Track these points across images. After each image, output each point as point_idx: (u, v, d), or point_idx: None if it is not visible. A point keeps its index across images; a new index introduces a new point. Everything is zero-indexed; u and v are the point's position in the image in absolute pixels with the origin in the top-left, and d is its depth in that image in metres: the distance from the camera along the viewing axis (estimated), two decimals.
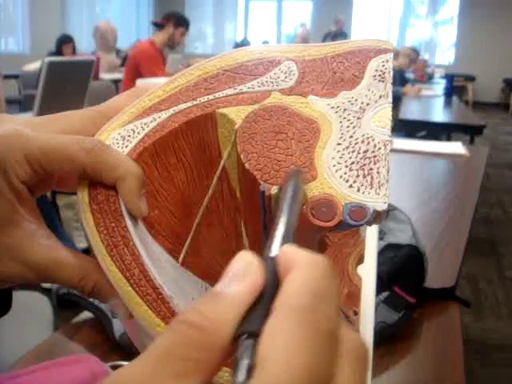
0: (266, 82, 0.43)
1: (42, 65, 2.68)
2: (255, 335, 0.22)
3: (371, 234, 0.54)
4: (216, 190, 0.43)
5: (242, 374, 0.21)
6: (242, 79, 0.43)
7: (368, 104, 0.42)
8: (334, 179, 0.38)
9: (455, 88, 6.59)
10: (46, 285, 2.44)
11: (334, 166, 0.38)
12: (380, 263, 1.00)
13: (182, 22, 5.04)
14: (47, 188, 0.44)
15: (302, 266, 0.24)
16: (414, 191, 1.99)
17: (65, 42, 6.47)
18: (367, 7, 13.81)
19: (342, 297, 0.44)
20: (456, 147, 2.75)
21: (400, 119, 4.40)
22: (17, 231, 0.38)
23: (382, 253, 1.03)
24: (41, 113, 2.76)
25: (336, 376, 0.22)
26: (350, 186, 0.37)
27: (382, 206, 0.36)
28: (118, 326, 0.90)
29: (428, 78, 8.96)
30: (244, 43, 8.65)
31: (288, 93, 0.42)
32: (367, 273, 0.50)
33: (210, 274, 0.44)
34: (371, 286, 0.51)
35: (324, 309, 0.23)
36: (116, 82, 5.40)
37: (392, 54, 0.44)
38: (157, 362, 0.22)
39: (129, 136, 0.41)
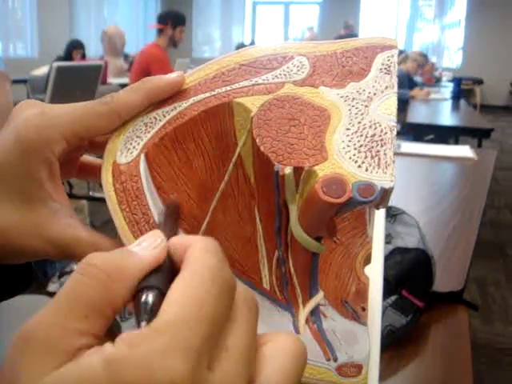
0: (280, 74, 0.46)
1: (51, 69, 2.69)
2: (158, 289, 0.26)
3: (378, 233, 0.54)
4: (232, 176, 0.44)
5: (146, 314, 0.25)
6: (258, 72, 0.46)
7: (375, 94, 0.44)
8: (343, 160, 0.40)
9: (463, 91, 6.59)
10: (51, 288, 2.45)
11: (344, 148, 0.40)
12: (388, 267, 1.00)
13: (179, 21, 5.02)
14: (71, 172, 0.47)
15: (199, 239, 0.28)
16: (421, 195, 1.99)
17: (76, 48, 6.49)
18: (374, 11, 13.82)
19: (351, 294, 0.45)
20: (464, 150, 2.75)
21: (408, 123, 4.40)
22: (44, 209, 0.39)
23: (389, 256, 1.03)
24: None
25: (231, 318, 0.26)
26: (359, 167, 0.39)
27: (389, 184, 0.38)
28: (126, 331, 0.90)
29: (436, 81, 8.95)
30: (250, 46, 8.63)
31: (300, 84, 0.45)
32: (374, 272, 0.50)
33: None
34: (378, 286, 0.52)
35: (226, 268, 0.27)
36: (124, 86, 5.40)
37: (397, 50, 0.47)
38: (67, 304, 0.24)
39: (151, 123, 0.44)
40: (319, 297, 0.44)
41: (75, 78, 2.85)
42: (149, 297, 0.25)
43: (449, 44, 13.87)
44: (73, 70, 2.90)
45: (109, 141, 0.43)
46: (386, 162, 0.39)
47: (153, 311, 0.25)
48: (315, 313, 0.43)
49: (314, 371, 0.42)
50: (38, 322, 0.23)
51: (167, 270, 0.28)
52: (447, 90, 7.27)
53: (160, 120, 0.44)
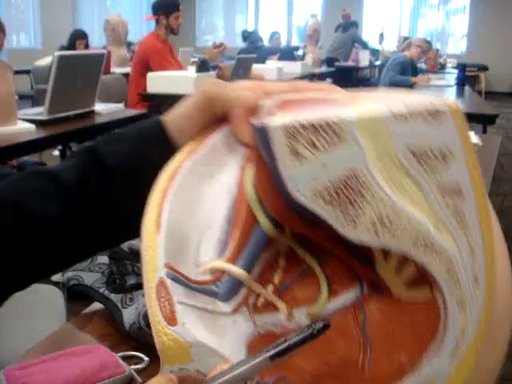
0: None
1: (53, 59, 2.67)
2: None
3: None
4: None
5: None
6: None
7: None
8: None
9: (468, 78, 6.55)
10: (55, 278, 2.45)
11: None
12: None
13: (170, 8, 4.96)
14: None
15: None
16: None
17: (79, 38, 6.46)
18: None
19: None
20: None
21: None
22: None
23: None
24: (52, 107, 2.76)
25: None
26: None
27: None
28: (127, 318, 0.90)
29: (440, 68, 8.90)
30: (253, 33, 8.59)
31: None
32: None
33: None
34: None
35: None
36: (127, 75, 5.39)
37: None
38: None
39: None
40: None
41: (78, 68, 2.84)
42: None
43: (453, 30, 13.79)
44: (75, 59, 2.88)
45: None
46: None
47: None
48: None
49: None
50: None
51: None
52: (452, 76, 7.22)
53: None
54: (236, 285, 0.46)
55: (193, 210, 0.49)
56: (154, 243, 0.46)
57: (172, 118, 0.58)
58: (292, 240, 0.45)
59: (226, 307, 0.45)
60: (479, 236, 0.40)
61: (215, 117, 0.55)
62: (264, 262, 0.46)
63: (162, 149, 0.56)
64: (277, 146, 0.40)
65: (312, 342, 0.41)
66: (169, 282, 0.45)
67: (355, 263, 0.44)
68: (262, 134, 0.40)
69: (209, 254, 0.47)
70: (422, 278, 0.41)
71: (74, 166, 0.57)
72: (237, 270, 0.45)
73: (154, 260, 0.46)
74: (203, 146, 0.53)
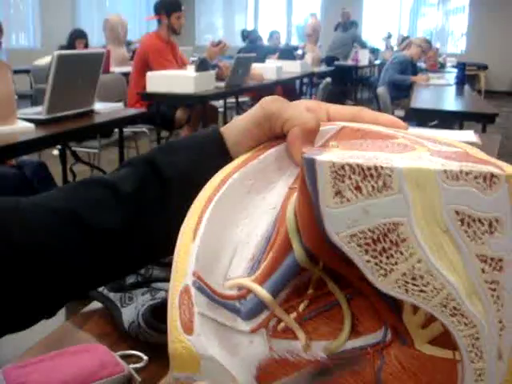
0: None
1: (52, 58, 2.66)
2: None
3: None
4: None
5: None
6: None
7: None
8: None
9: (467, 77, 6.54)
10: None
11: None
12: None
13: (172, 8, 4.98)
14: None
15: None
16: None
17: (78, 37, 6.45)
18: None
19: None
20: (468, 135, 2.73)
21: (412, 108, 4.37)
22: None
23: None
24: (51, 106, 2.75)
25: None
26: None
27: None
28: (126, 316, 0.90)
29: (440, 67, 8.91)
30: (253, 33, 8.59)
31: None
32: None
33: None
34: None
35: None
36: (127, 75, 5.39)
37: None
38: None
39: None
40: None
41: (77, 67, 2.83)
42: None
43: (453, 30, 13.80)
44: (74, 59, 2.87)
45: None
46: None
47: None
48: None
49: None
50: None
51: None
52: (451, 75, 7.23)
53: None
54: (260, 306, 0.45)
55: (234, 222, 0.49)
56: (187, 250, 0.46)
57: (230, 131, 0.59)
58: (324, 273, 0.45)
59: (245, 326, 0.45)
60: None
61: (272, 134, 0.56)
62: (292, 289, 0.45)
63: (220, 161, 0.55)
64: (322, 182, 0.39)
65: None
66: (193, 290, 0.45)
67: (383, 307, 0.43)
68: (310, 166, 0.40)
69: (240, 270, 0.47)
70: (448, 339, 0.41)
71: (132, 176, 0.57)
72: (263, 292, 0.45)
73: (184, 267, 0.46)
74: (255, 160, 0.53)
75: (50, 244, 0.54)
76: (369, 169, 0.38)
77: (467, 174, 0.37)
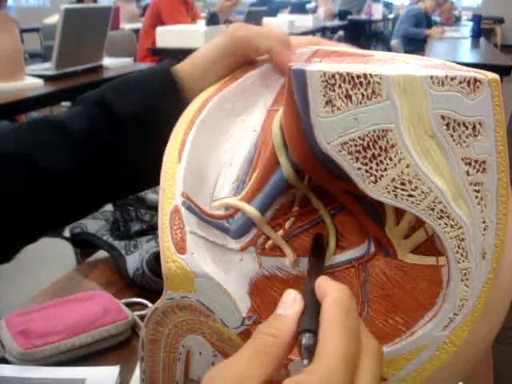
0: None
1: (60, 13, 2.64)
2: (311, 331, 0.33)
3: None
4: None
5: (306, 358, 0.32)
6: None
7: None
8: None
9: (483, 31, 6.42)
10: (66, 234, 2.45)
11: None
12: None
13: None
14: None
15: (333, 291, 0.35)
16: None
17: None
18: None
19: None
20: None
21: None
22: None
23: None
24: (59, 61, 2.73)
25: (359, 366, 0.32)
26: None
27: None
28: (131, 264, 0.89)
29: (455, 21, 8.76)
30: None
31: None
32: None
33: None
34: None
35: (355, 318, 0.34)
36: (137, 31, 5.34)
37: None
38: (250, 356, 0.32)
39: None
40: None
41: (84, 21, 2.80)
42: (307, 340, 0.33)
43: None
44: (82, 13, 2.83)
45: None
46: None
47: (311, 351, 0.32)
48: None
49: None
50: (224, 368, 0.32)
51: (313, 307, 0.35)
52: (467, 29, 7.09)
53: None
54: (248, 224, 0.47)
55: (216, 144, 0.50)
56: (174, 171, 0.47)
57: (192, 66, 0.58)
58: (309, 189, 0.46)
59: (235, 244, 0.47)
60: (495, 213, 0.40)
61: (245, 59, 0.56)
62: (278, 207, 0.47)
63: (172, 98, 0.55)
64: (312, 92, 0.39)
65: None
66: (183, 210, 0.46)
67: (366, 220, 0.45)
68: (300, 77, 0.40)
69: (225, 191, 0.48)
70: (430, 247, 0.43)
71: (82, 115, 0.56)
72: (251, 210, 0.46)
73: (172, 188, 0.47)
74: (233, 83, 0.54)
75: (0, 187, 0.53)
76: (358, 77, 0.39)
77: (452, 79, 0.38)
